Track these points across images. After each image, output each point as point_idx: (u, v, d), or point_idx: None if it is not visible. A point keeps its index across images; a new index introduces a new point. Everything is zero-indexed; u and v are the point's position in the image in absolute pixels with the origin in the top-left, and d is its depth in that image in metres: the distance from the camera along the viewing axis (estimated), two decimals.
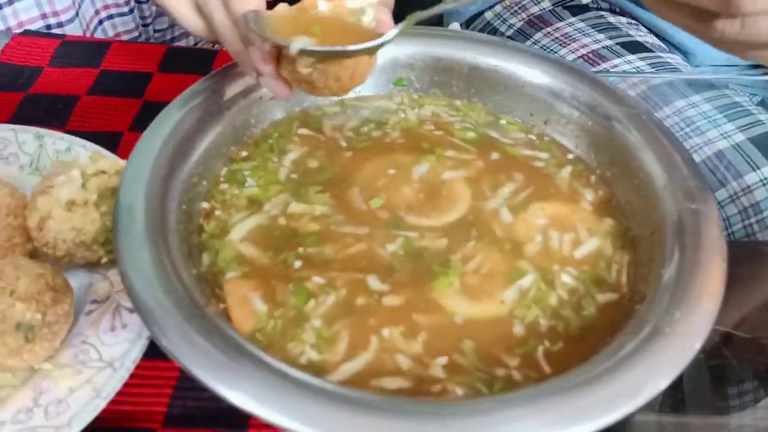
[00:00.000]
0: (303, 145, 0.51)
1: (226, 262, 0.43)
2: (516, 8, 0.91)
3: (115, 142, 0.60)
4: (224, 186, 0.48)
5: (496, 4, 0.92)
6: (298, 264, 0.43)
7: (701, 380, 0.50)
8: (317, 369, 0.39)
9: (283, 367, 0.35)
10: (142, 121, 0.63)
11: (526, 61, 0.53)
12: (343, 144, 0.52)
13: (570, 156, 0.51)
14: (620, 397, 0.34)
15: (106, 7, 0.81)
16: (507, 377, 0.39)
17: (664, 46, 0.84)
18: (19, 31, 0.72)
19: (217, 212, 0.46)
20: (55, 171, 0.47)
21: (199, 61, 0.70)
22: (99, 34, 0.82)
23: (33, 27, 0.75)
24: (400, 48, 0.55)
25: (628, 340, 0.38)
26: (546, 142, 0.52)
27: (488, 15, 0.93)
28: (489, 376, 0.39)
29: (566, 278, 0.43)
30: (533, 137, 0.53)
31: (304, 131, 0.53)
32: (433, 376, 0.39)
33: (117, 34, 0.84)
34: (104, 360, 0.42)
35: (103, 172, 0.45)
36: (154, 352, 0.43)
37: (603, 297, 0.43)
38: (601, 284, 0.43)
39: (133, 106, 0.64)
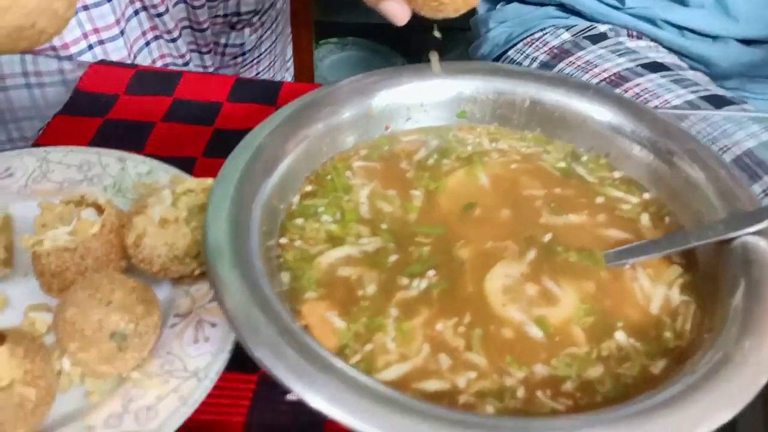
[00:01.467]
0: (365, 177, 0.54)
1: (309, 283, 0.45)
2: (537, 43, 0.94)
3: (190, 166, 0.63)
4: (299, 221, 0.50)
5: (518, 42, 0.96)
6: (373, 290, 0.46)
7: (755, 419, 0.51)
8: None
9: (366, 379, 0.37)
10: (214, 147, 0.67)
11: (587, 96, 0.56)
12: (409, 176, 0.54)
13: (646, 195, 0.53)
14: (688, 424, 0.36)
15: (153, 28, 0.85)
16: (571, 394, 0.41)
17: (684, 64, 0.87)
18: (65, 52, 0.76)
19: (297, 243, 0.48)
20: (147, 192, 0.50)
21: (265, 92, 0.73)
22: (144, 55, 0.86)
23: (77, 48, 0.78)
24: (465, 82, 0.58)
25: (695, 368, 0.39)
26: (622, 178, 0.54)
27: (511, 53, 0.97)
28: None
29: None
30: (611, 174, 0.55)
31: (361, 163, 0.55)
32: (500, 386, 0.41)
33: (161, 56, 0.88)
34: (189, 370, 0.44)
35: (191, 190, 0.48)
36: (232, 365, 0.46)
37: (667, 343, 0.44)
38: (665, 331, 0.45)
39: (204, 133, 0.68)
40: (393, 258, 0.47)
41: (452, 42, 2.10)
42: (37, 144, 0.64)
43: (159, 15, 0.85)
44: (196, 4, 0.88)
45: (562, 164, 0.55)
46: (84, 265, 0.46)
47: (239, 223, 0.45)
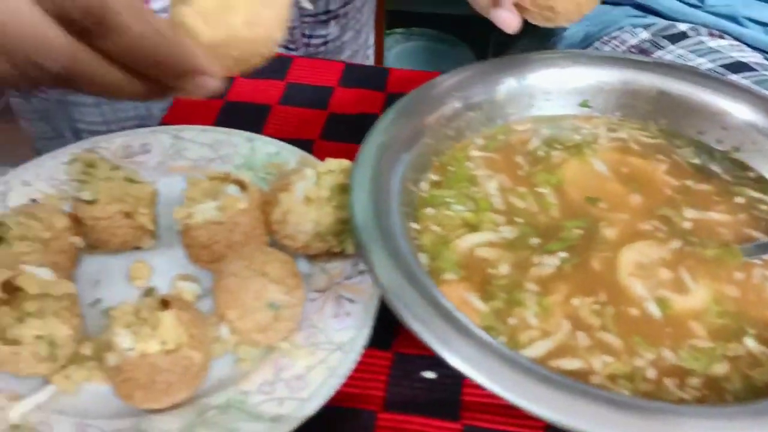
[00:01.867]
0: (486, 168, 0.55)
1: (448, 264, 0.47)
2: (615, 42, 0.93)
3: (308, 148, 0.64)
4: (430, 210, 0.51)
5: (595, 41, 0.95)
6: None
7: None
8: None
9: (508, 351, 0.39)
10: (330, 130, 0.68)
11: (719, 89, 0.55)
12: (524, 169, 0.55)
13: None
14: None
15: None
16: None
17: None
18: None
19: (433, 227, 0.49)
20: (281, 172, 0.51)
21: (374, 78, 0.75)
22: None
23: None
24: (590, 71, 0.58)
25: None
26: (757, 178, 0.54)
27: (588, 52, 0.95)
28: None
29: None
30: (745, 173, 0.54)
31: (479, 153, 0.56)
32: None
33: None
34: (334, 343, 0.46)
35: (331, 170, 0.49)
36: (370, 341, 0.47)
37: None
38: None
39: (320, 116, 0.69)
40: (534, 241, 0.48)
41: (523, 31, 2.10)
42: (163, 122, 0.66)
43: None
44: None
45: (696, 160, 0.55)
46: (232, 238, 0.48)
47: (381, 204, 0.46)
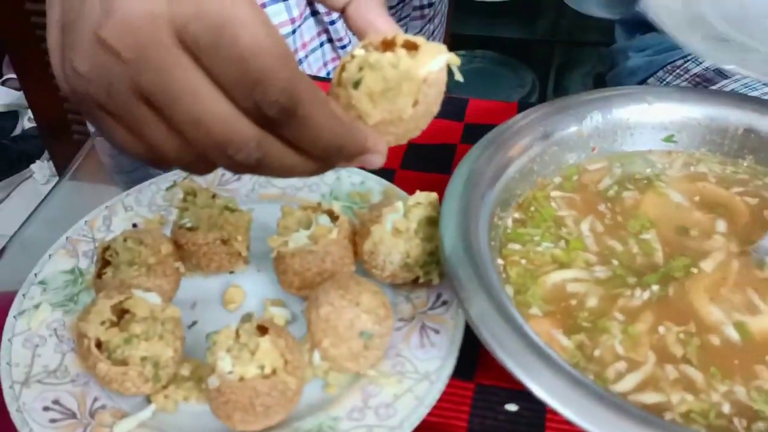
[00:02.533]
0: (569, 208, 0.55)
1: (534, 299, 0.47)
2: (678, 71, 0.91)
3: (390, 177, 0.66)
4: (516, 246, 0.52)
5: (659, 69, 0.94)
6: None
7: None
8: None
9: (594, 385, 0.39)
10: (411, 160, 0.70)
11: None
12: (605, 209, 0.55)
13: None
14: None
15: (324, 31, 0.89)
16: None
17: None
18: None
19: (522, 261, 0.50)
20: (380, 203, 0.53)
21: (453, 108, 0.76)
22: (316, 56, 0.89)
23: None
24: (675, 106, 0.58)
25: None
26: None
27: (651, 81, 0.94)
28: None
29: None
30: None
31: (559, 194, 0.56)
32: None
33: (333, 59, 0.91)
34: (420, 372, 0.47)
35: (419, 203, 0.51)
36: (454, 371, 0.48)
37: None
38: None
39: (400, 146, 0.70)
40: (631, 280, 0.49)
41: (578, 58, 2.09)
42: None
43: (332, 23, 0.88)
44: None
45: None
46: (324, 267, 0.50)
47: (469, 236, 0.47)
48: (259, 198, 0.60)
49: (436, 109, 0.40)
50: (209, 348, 0.44)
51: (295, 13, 0.82)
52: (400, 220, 0.50)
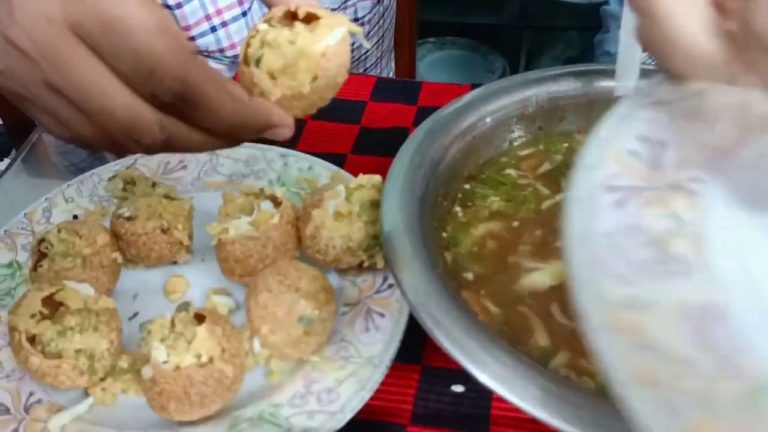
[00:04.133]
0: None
1: (464, 258, 0.48)
2: None
3: (341, 162, 0.65)
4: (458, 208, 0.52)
5: None
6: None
7: None
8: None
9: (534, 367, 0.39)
10: (362, 144, 0.69)
11: None
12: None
13: None
14: None
15: None
16: None
17: None
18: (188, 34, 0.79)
19: (460, 214, 0.50)
20: (313, 188, 0.52)
21: (405, 92, 0.75)
22: None
23: (200, 29, 0.80)
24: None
25: None
26: None
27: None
28: None
29: None
30: None
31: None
32: None
33: None
34: (363, 357, 0.46)
35: (362, 186, 0.50)
36: (399, 355, 0.48)
37: None
38: None
39: (352, 130, 0.70)
40: None
41: (554, 40, 2.09)
42: None
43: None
44: None
45: None
46: (265, 253, 0.49)
47: (411, 218, 0.47)
48: (204, 186, 0.59)
49: (341, 79, 0.41)
50: (143, 338, 0.43)
51: None
52: (342, 204, 0.49)
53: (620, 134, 0.34)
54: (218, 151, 0.61)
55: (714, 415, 0.24)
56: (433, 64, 2.14)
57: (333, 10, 0.92)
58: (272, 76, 0.39)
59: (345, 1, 0.94)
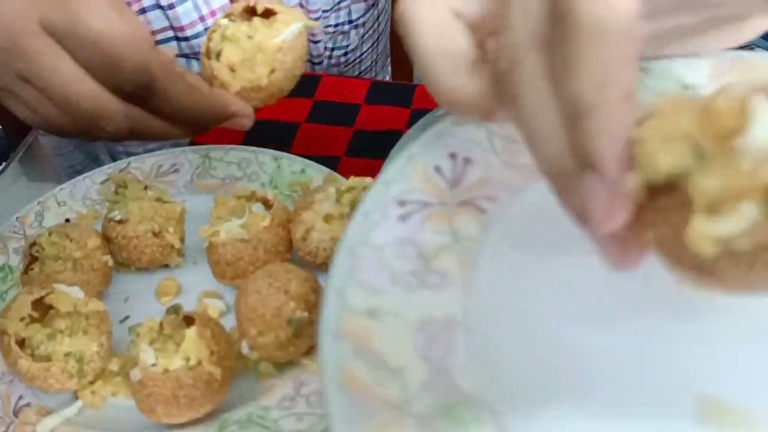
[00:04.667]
0: None
1: None
2: None
3: (334, 165, 0.65)
4: None
5: None
6: None
7: None
8: None
9: None
10: (355, 147, 0.69)
11: None
12: None
13: None
14: None
15: None
16: None
17: None
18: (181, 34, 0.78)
19: None
20: (305, 190, 0.52)
21: (400, 95, 0.75)
22: None
23: (194, 30, 0.79)
24: None
25: None
26: None
27: None
28: None
29: None
30: None
31: None
32: None
33: None
34: None
35: (353, 188, 0.50)
36: None
37: None
38: None
39: (346, 133, 0.70)
40: None
41: None
42: (193, 142, 0.68)
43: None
44: (313, 16, 0.90)
45: None
46: (256, 255, 0.49)
47: None
48: (197, 189, 0.59)
49: (299, 72, 0.44)
50: (132, 341, 0.43)
51: None
52: (332, 206, 0.49)
53: (433, 150, 0.34)
54: (211, 154, 0.61)
55: (400, 421, 0.25)
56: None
57: (326, 11, 0.92)
58: (232, 69, 0.41)
59: (338, 3, 0.94)
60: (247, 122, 0.44)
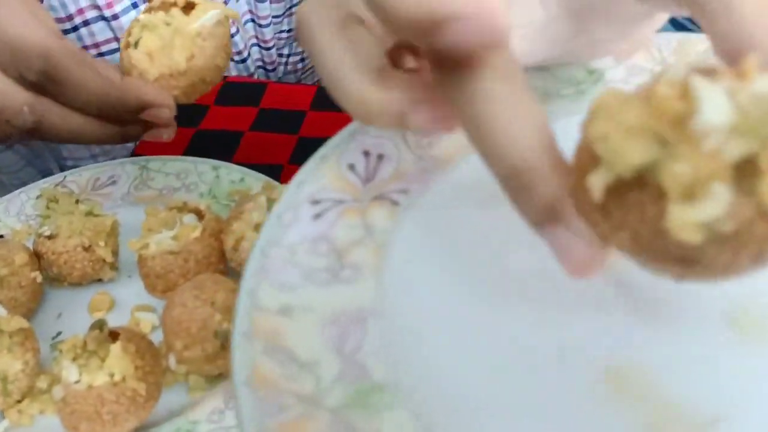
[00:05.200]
0: None
1: None
2: None
3: (278, 173, 0.65)
4: None
5: None
6: None
7: None
8: None
9: None
10: (299, 155, 0.69)
11: None
12: None
13: None
14: None
15: None
16: None
17: None
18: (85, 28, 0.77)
19: None
20: (241, 199, 0.52)
21: None
22: None
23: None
24: None
25: None
26: None
27: None
28: None
29: None
30: None
31: None
32: None
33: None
34: None
35: None
36: None
37: None
38: None
39: (290, 141, 0.70)
40: None
41: None
42: (135, 153, 0.67)
43: (231, 36, 0.86)
44: (263, 23, 0.90)
45: None
46: (186, 267, 0.49)
47: None
48: (134, 201, 0.59)
49: (222, 62, 0.43)
50: (55, 358, 0.42)
51: None
52: (263, 215, 0.49)
53: (346, 149, 0.35)
54: (149, 165, 0.61)
55: (313, 414, 0.25)
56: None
57: (277, 17, 0.92)
58: (150, 57, 0.41)
59: (289, 8, 0.94)
60: (166, 113, 0.42)
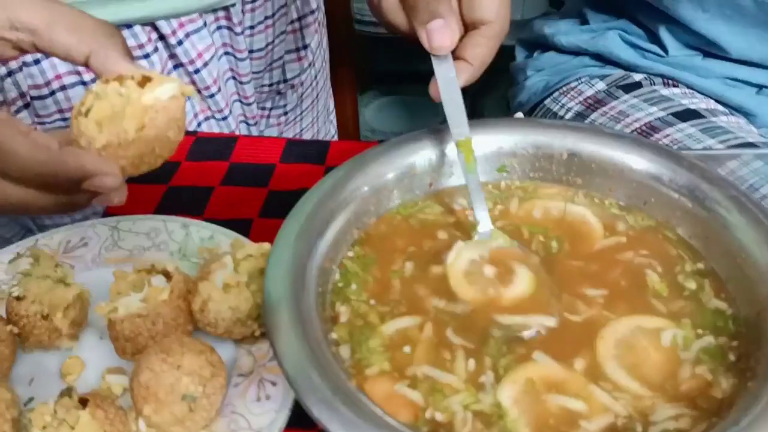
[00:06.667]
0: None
1: (370, 353, 0.47)
2: (572, 93, 0.95)
3: (247, 228, 0.67)
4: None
5: (554, 91, 0.97)
6: None
7: None
8: None
9: None
10: (269, 208, 0.70)
11: (623, 146, 0.57)
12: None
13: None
14: None
15: (204, 110, 0.89)
16: None
17: (724, 109, 0.87)
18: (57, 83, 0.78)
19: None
20: (210, 257, 0.53)
21: (315, 152, 0.77)
22: None
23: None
24: (505, 137, 0.60)
25: (741, 416, 0.40)
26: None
27: (548, 102, 0.98)
28: None
29: None
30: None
31: None
32: None
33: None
34: (253, 428, 0.47)
35: (250, 255, 0.51)
36: (293, 421, 0.48)
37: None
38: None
39: (260, 195, 0.72)
40: None
41: (493, 83, 2.14)
42: (107, 212, 0.68)
43: (211, 96, 0.88)
44: (244, 80, 0.92)
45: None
46: (155, 330, 0.50)
47: (296, 285, 0.48)
48: (105, 262, 0.60)
49: (174, 136, 0.43)
50: (25, 426, 0.43)
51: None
52: (229, 275, 0.50)
53: None
54: (119, 225, 0.62)
55: None
56: (378, 111, 2.19)
57: (257, 72, 0.94)
58: (99, 125, 0.41)
59: (270, 64, 0.96)
60: (110, 181, 0.40)
